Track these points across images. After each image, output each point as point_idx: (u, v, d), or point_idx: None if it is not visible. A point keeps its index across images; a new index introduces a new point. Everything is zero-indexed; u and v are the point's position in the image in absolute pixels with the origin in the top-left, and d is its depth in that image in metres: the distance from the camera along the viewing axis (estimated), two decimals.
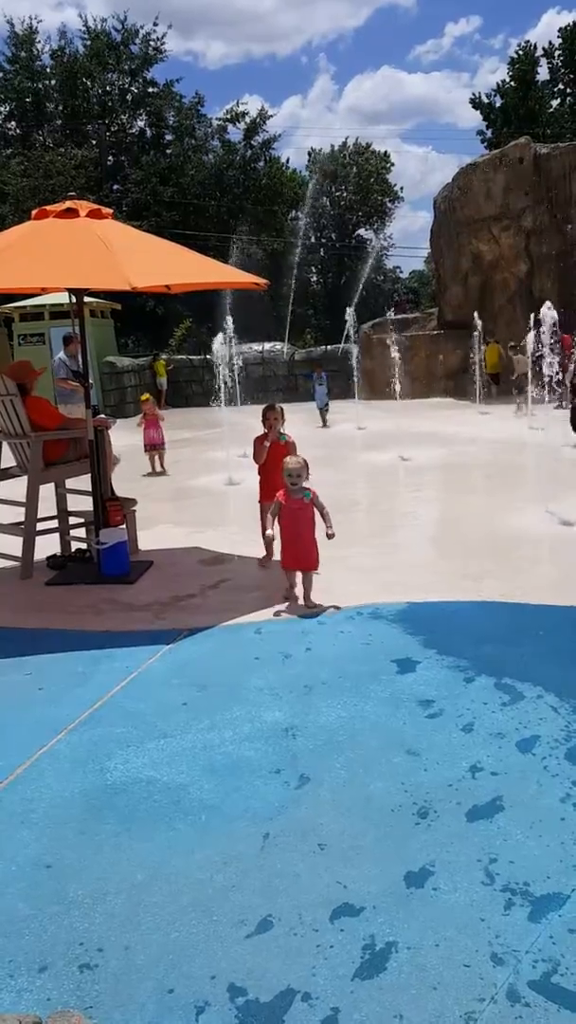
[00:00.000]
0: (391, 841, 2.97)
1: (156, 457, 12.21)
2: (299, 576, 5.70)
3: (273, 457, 6.44)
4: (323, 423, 17.10)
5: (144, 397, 12.95)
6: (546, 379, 10.18)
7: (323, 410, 17.48)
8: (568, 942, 2.44)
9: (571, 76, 39.97)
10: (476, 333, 19.63)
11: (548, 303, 9.75)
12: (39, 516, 6.90)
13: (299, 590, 5.67)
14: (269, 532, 5.78)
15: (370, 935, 2.51)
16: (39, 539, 6.86)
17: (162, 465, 12.25)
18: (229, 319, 17.67)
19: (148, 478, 11.85)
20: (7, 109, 38.47)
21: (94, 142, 37.32)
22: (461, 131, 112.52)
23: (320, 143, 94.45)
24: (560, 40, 39.59)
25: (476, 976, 2.34)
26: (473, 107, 41.57)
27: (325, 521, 5.57)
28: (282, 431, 6.66)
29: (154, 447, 12.19)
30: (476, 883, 2.72)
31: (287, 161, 44.92)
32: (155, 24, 39.65)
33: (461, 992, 2.28)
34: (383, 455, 12.53)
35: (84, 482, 7.01)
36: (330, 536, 5.55)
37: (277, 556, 6.12)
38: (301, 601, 5.59)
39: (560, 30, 39.63)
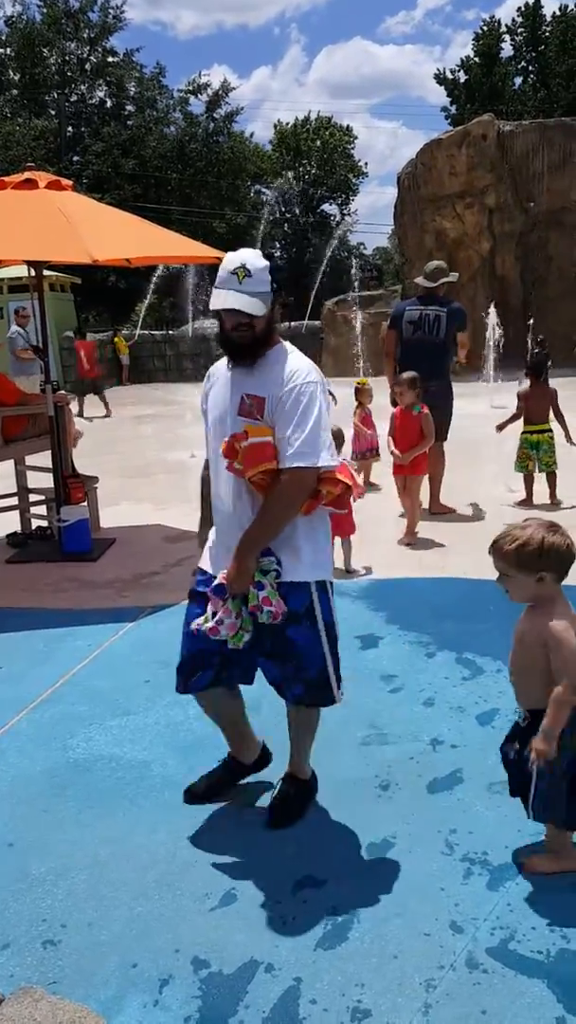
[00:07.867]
0: (354, 814, 3.00)
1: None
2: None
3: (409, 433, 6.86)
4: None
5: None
6: None
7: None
8: (524, 910, 2.50)
9: (533, 54, 39.98)
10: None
11: None
12: None
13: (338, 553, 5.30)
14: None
15: (332, 907, 2.54)
16: None
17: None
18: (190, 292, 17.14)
19: (112, 454, 11.64)
20: None
21: (53, 112, 36.52)
22: (431, 106, 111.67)
23: (288, 116, 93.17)
24: (521, 19, 39.56)
25: (436, 944, 2.38)
26: (438, 83, 41.32)
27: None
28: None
29: None
30: (436, 854, 2.76)
31: (251, 136, 44.39)
32: None
33: (421, 960, 2.32)
34: (345, 430, 12.52)
35: (45, 459, 6.91)
36: None
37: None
38: (341, 566, 5.49)
39: (518, 9, 39.65)
